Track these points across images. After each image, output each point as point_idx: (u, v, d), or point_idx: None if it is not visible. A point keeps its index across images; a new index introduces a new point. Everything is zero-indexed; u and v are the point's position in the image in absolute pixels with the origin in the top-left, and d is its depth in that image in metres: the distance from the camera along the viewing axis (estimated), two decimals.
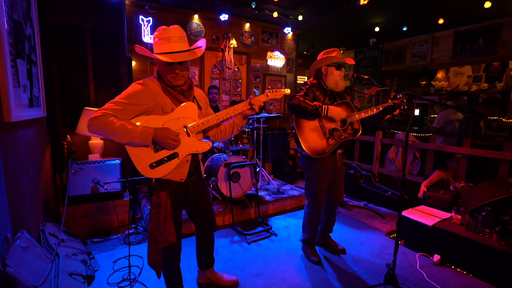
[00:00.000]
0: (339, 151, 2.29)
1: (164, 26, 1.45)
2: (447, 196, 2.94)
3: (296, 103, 2.10)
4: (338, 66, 2.21)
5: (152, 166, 1.44)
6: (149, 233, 1.53)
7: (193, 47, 1.52)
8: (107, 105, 1.37)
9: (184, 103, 1.51)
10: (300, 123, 2.20)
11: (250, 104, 1.60)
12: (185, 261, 2.36)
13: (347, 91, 2.38)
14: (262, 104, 1.64)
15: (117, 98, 1.40)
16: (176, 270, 1.73)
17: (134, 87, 1.43)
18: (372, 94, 2.49)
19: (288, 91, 1.74)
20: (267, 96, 1.66)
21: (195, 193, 1.70)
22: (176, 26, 1.47)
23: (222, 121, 1.67)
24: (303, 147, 2.16)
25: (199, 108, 1.60)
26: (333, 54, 2.22)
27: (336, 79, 2.22)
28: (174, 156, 1.48)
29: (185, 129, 1.51)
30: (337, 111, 2.15)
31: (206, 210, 1.82)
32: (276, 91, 1.68)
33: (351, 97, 2.40)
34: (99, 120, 1.32)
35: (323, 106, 2.11)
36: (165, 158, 1.46)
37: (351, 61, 2.26)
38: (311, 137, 2.18)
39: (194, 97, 1.63)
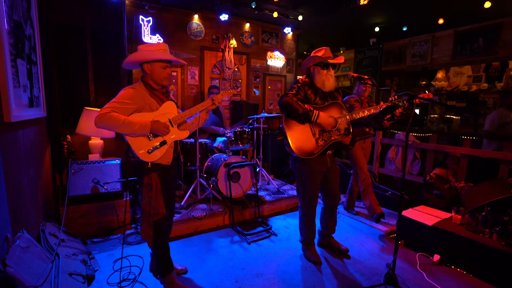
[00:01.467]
0: (329, 152, 2.26)
1: (159, 42, 1.80)
2: (447, 197, 2.95)
3: (288, 102, 2.06)
4: (325, 66, 2.16)
5: (149, 152, 1.79)
6: (142, 209, 1.85)
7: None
8: (109, 105, 1.67)
9: (166, 102, 1.90)
10: (289, 123, 2.16)
11: (212, 100, 2.00)
12: (185, 261, 2.36)
13: (338, 91, 2.33)
14: (221, 101, 2.09)
15: (116, 99, 1.71)
16: (165, 242, 1.95)
17: (128, 90, 1.77)
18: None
19: (234, 91, 2.20)
20: (222, 95, 2.08)
21: (173, 176, 2.03)
22: (164, 43, 1.96)
23: (195, 115, 2.08)
24: (292, 148, 2.12)
25: (177, 105, 2.00)
26: (319, 54, 2.17)
27: (323, 79, 2.17)
28: (164, 143, 1.85)
29: (169, 121, 1.87)
30: (326, 121, 2.10)
31: (174, 193, 2.15)
32: (227, 91, 2.13)
33: (341, 97, 2.34)
34: (107, 116, 1.61)
35: (315, 111, 2.07)
36: (158, 145, 1.82)
37: (339, 60, 2.19)
38: (300, 138, 2.14)
39: (171, 98, 2.00)
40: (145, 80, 1.86)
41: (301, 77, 2.31)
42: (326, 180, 2.33)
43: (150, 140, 1.80)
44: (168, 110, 1.89)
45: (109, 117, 1.61)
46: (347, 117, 2.17)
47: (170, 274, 1.96)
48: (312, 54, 2.22)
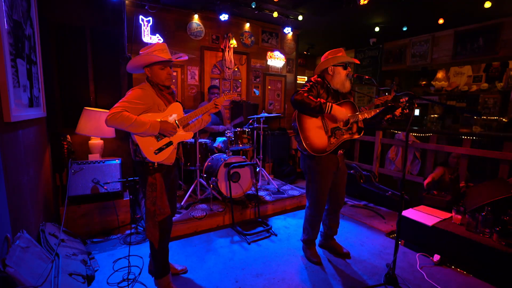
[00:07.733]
0: (340, 151, 2.27)
1: (157, 43, 1.90)
2: (447, 197, 2.95)
3: (300, 98, 2.08)
4: (345, 66, 2.22)
5: (155, 152, 1.81)
6: (146, 209, 1.85)
7: (177, 56, 2.00)
8: (120, 104, 1.67)
9: (172, 103, 1.93)
10: (302, 121, 2.18)
11: (215, 104, 2.05)
12: (185, 261, 2.36)
13: (350, 92, 2.36)
14: (223, 103, 2.16)
15: (126, 99, 1.71)
16: (167, 242, 1.95)
17: (137, 91, 1.77)
18: (382, 103, 2.32)
19: (235, 95, 2.22)
20: (224, 98, 2.12)
21: (174, 177, 2.06)
22: (163, 42, 1.98)
23: (199, 117, 2.12)
24: (304, 144, 2.15)
25: (183, 106, 2.05)
26: (340, 54, 2.23)
27: (342, 79, 2.22)
28: (169, 144, 1.88)
29: (176, 122, 1.91)
30: (340, 111, 2.12)
31: (175, 194, 2.19)
32: (229, 94, 2.15)
33: (353, 98, 2.38)
34: (119, 115, 1.61)
35: (327, 103, 2.09)
36: (164, 146, 1.85)
37: (356, 60, 2.30)
38: (312, 135, 2.17)
39: (177, 99, 2.04)
40: (151, 80, 1.87)
41: (312, 77, 2.33)
42: (334, 181, 2.34)
43: (158, 140, 1.83)
44: (175, 111, 1.93)
45: (120, 116, 1.61)
46: (360, 116, 2.19)
47: (166, 276, 1.95)
48: (328, 56, 2.25)
